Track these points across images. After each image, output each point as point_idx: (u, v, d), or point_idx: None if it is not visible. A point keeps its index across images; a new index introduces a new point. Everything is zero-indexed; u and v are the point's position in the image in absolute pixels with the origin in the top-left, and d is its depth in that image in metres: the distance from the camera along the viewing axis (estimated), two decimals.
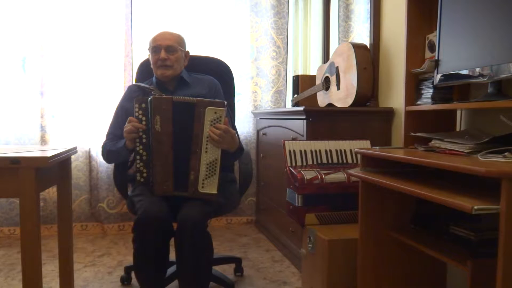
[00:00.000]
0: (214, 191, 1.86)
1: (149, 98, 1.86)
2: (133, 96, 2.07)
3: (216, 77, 2.25)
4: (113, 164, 2.22)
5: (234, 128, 2.06)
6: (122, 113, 2.08)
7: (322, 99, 2.95)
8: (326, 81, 2.88)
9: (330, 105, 2.81)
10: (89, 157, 3.34)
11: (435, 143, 1.69)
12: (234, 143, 1.92)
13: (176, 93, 2.07)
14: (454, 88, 1.87)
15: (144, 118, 1.88)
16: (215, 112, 1.84)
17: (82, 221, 3.37)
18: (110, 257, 2.81)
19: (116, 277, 2.45)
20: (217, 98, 2.08)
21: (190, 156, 1.85)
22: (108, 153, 2.06)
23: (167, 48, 2.05)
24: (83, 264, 2.67)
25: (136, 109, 1.88)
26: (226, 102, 1.88)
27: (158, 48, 2.05)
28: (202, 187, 1.85)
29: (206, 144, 1.85)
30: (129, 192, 2.10)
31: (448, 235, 1.49)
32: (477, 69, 1.57)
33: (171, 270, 2.07)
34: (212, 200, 1.88)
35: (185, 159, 1.86)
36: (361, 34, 2.78)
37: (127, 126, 1.88)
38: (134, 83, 2.32)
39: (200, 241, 1.79)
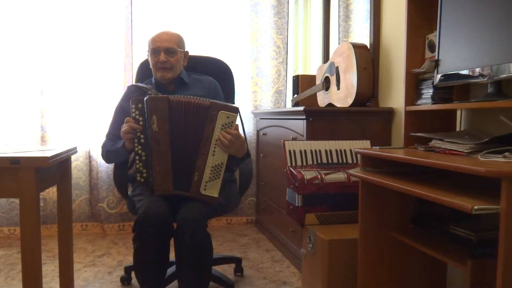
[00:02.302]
0: (216, 195, 1.86)
1: (145, 98, 1.86)
2: (131, 96, 2.07)
3: (216, 77, 2.25)
4: (113, 164, 2.22)
5: (245, 135, 2.05)
6: (121, 113, 2.08)
7: (322, 99, 2.95)
8: (326, 81, 2.88)
9: (330, 105, 2.81)
10: (89, 157, 3.34)
11: (435, 143, 1.69)
12: (242, 150, 1.91)
13: (176, 94, 2.07)
14: (454, 88, 1.86)
15: (141, 119, 1.88)
16: (228, 117, 1.83)
17: (82, 221, 3.37)
18: (110, 257, 2.81)
19: (116, 277, 2.45)
20: (217, 99, 2.08)
21: (195, 156, 1.85)
22: (107, 153, 2.06)
23: (166, 50, 2.04)
24: (83, 264, 2.67)
25: (133, 110, 1.88)
26: (239, 107, 1.88)
27: (157, 50, 2.04)
28: (204, 189, 1.85)
29: (214, 147, 1.84)
30: (129, 192, 2.10)
31: (448, 235, 1.49)
32: (477, 69, 1.57)
33: (171, 270, 2.07)
34: (212, 202, 1.87)
35: (187, 159, 1.86)
36: (361, 34, 2.78)
37: (124, 127, 1.88)
38: (133, 83, 2.32)
39: (200, 242, 1.79)
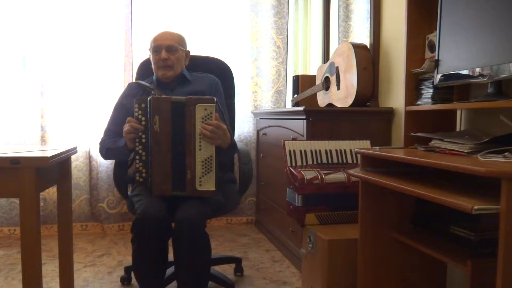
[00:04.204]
0: (212, 188, 1.86)
1: (148, 98, 1.86)
2: (132, 93, 2.07)
3: (216, 77, 2.25)
4: (113, 164, 2.22)
5: (226, 124, 2.06)
6: (121, 110, 2.09)
7: (322, 99, 2.95)
8: (326, 81, 2.88)
9: (330, 105, 2.81)
10: (89, 157, 3.34)
11: (435, 143, 1.69)
12: (226, 138, 1.91)
13: (177, 91, 2.08)
14: (454, 88, 1.86)
15: (143, 118, 1.88)
16: (205, 109, 1.84)
17: (82, 221, 3.37)
18: (110, 257, 2.81)
19: (116, 277, 2.45)
20: (217, 95, 2.08)
21: (185, 155, 1.85)
22: (107, 150, 2.05)
23: (167, 48, 2.05)
24: (83, 264, 2.67)
25: (136, 109, 1.88)
26: (215, 98, 1.88)
27: (159, 48, 2.05)
28: (200, 185, 1.85)
29: (200, 142, 1.85)
30: (129, 192, 2.10)
31: (448, 235, 1.49)
32: (477, 69, 1.57)
33: (170, 270, 2.07)
34: (211, 196, 1.87)
35: (182, 159, 1.86)
36: (361, 34, 2.78)
37: (126, 126, 1.88)
38: (134, 81, 2.31)
39: (198, 242, 1.79)
